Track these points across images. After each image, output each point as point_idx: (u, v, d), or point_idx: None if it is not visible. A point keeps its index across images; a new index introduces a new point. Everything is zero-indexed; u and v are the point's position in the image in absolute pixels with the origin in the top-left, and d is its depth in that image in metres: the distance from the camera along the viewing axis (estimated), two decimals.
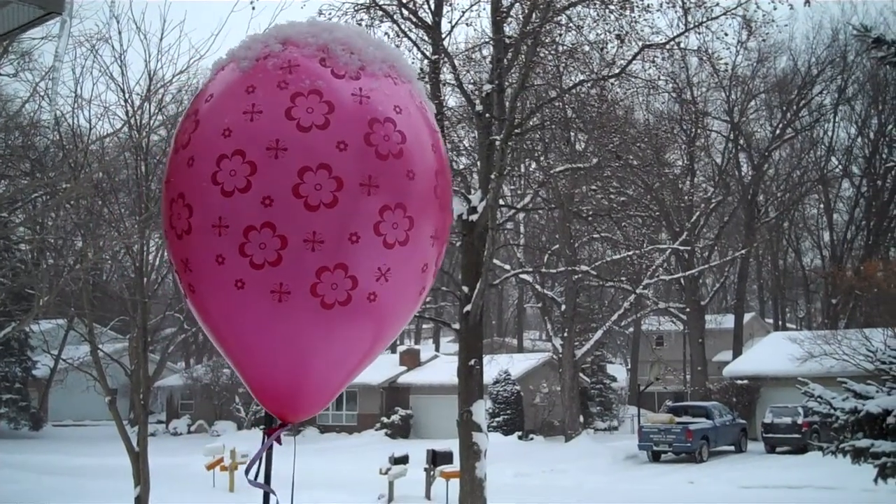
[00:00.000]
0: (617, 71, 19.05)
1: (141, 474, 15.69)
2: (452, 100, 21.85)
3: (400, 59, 3.67)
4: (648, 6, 17.78)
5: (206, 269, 3.40)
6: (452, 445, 20.40)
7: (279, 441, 3.78)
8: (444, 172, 3.67)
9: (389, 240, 3.42)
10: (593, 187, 25.91)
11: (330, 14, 18.53)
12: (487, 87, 18.44)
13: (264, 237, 3.27)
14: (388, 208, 3.39)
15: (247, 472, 3.78)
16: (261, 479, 3.83)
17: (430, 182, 3.57)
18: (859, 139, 56.93)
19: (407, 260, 3.53)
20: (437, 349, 66.25)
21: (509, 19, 19.03)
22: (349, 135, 3.34)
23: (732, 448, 37.57)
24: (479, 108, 18.51)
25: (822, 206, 59.71)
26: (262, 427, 3.91)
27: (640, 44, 18.44)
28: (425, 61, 19.15)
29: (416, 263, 3.60)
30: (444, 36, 19.01)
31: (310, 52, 3.47)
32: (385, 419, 48.56)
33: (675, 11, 18.60)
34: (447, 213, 3.71)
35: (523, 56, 18.29)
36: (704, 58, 19.98)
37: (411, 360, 52.51)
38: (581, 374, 45.22)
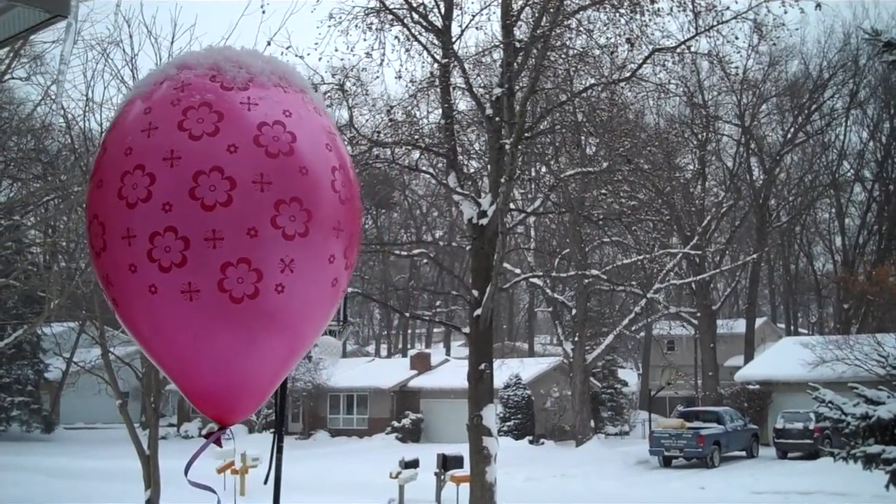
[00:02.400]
0: (627, 75, 19.03)
1: (151, 477, 15.73)
2: (462, 104, 21.87)
3: (292, 72, 3.90)
4: (659, 10, 17.75)
5: (123, 279, 3.57)
6: (463, 449, 20.38)
7: (218, 443, 3.89)
8: (343, 168, 3.82)
9: (289, 231, 3.56)
10: (604, 191, 25.81)
11: (341, 17, 18.58)
12: (497, 90, 18.44)
13: (168, 241, 3.44)
14: (283, 202, 3.54)
15: (185, 472, 3.89)
16: (238, 485, 3.85)
17: (326, 177, 3.72)
18: (871, 143, 56.81)
19: (310, 250, 3.67)
20: (447, 353, 66.26)
21: (519, 23, 19.03)
22: (238, 138, 3.53)
23: (744, 453, 37.47)
24: (489, 111, 18.51)
25: (833, 210, 59.55)
26: (271, 431, 3.95)
27: (651, 47, 18.41)
28: (435, 65, 19.16)
29: (321, 254, 3.73)
30: (454, 40, 19.03)
31: (201, 72, 3.70)
32: (396, 423, 48.57)
33: (686, 15, 18.56)
34: (350, 205, 3.85)
35: (533, 60, 18.29)
36: (715, 61, 19.94)
37: (422, 363, 52.52)
38: (592, 379, 45.16)
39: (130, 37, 15.92)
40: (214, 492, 3.92)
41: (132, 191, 3.47)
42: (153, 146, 3.50)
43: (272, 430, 3.94)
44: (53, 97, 16.18)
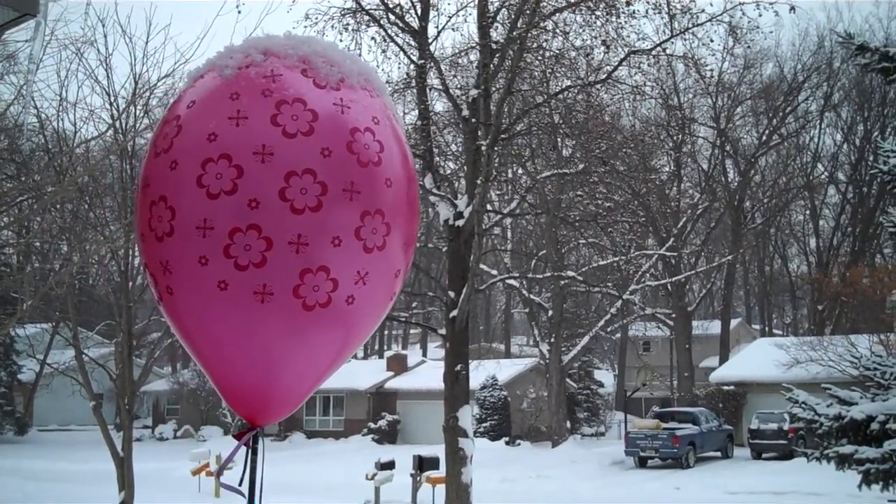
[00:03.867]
0: (603, 77, 19.10)
1: (126, 479, 15.63)
2: (439, 105, 21.89)
3: (373, 73, 3.80)
4: (634, 12, 17.82)
5: (188, 270, 3.42)
6: (439, 451, 20.37)
7: (248, 445, 3.81)
8: (413, 182, 3.82)
9: (369, 244, 3.51)
10: (580, 193, 25.91)
11: (317, 18, 18.55)
12: (474, 92, 18.46)
13: (250, 239, 3.32)
14: (368, 214, 3.49)
15: (218, 475, 3.85)
16: (233, 484, 3.83)
17: (403, 190, 3.70)
18: (845, 146, 57.22)
19: (383, 265, 3.63)
20: (424, 354, 66.18)
21: (496, 24, 19.05)
22: (333, 142, 3.43)
23: (719, 454, 37.64)
24: (465, 113, 18.52)
25: (808, 212, 59.91)
26: (234, 434, 3.92)
27: (627, 50, 18.48)
28: (412, 66, 19.15)
29: (390, 269, 3.70)
30: (430, 41, 19.04)
31: (291, 63, 3.56)
32: (372, 424, 48.48)
33: (661, 17, 18.61)
34: (416, 221, 3.87)
35: (510, 61, 18.31)
36: (690, 64, 20.01)
37: (398, 365, 52.45)
38: (568, 380, 45.23)
39: (105, 36, 15.85)
40: (244, 495, 3.87)
41: (215, 181, 3.33)
42: (243, 137, 3.37)
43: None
44: (25, 96, 16.04)
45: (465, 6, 19.35)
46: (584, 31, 18.53)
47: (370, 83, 3.72)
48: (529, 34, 17.94)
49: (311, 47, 3.65)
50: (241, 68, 3.55)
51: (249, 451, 3.92)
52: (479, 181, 17.61)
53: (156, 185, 3.50)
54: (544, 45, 19.01)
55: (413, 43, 19.11)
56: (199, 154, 3.38)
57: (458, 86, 20.28)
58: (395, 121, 3.80)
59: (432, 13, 19.13)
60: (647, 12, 18.07)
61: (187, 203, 3.38)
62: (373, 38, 19.13)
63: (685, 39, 18.83)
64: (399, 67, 22.16)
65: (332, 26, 18.66)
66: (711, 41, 18.83)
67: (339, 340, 3.72)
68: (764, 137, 53.04)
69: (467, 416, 18.07)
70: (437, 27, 19.60)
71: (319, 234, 3.39)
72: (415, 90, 19.49)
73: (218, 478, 4.29)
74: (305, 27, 18.51)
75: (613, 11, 17.77)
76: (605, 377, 59.83)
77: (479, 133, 18.34)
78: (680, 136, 46.49)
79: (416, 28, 18.83)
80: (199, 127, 3.43)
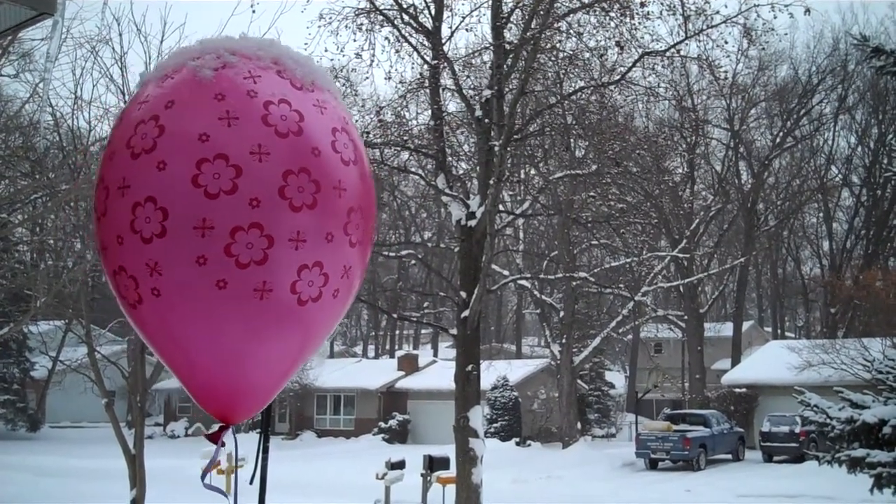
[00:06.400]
0: (617, 78, 19.07)
1: (137, 477, 15.66)
2: (452, 105, 21.87)
3: (327, 75, 3.89)
4: (648, 14, 17.80)
5: (183, 271, 3.44)
6: (450, 451, 20.38)
7: (223, 443, 3.86)
8: (372, 181, 3.94)
9: (353, 240, 3.67)
10: (592, 194, 25.85)
11: (331, 18, 18.57)
12: (487, 92, 18.46)
13: (252, 237, 3.38)
14: (353, 210, 3.64)
15: (202, 477, 3.86)
16: (224, 485, 3.85)
17: (371, 188, 3.86)
18: (859, 148, 57.01)
19: (362, 258, 3.80)
20: (435, 354, 66.23)
21: (509, 25, 19.06)
22: (320, 142, 3.56)
23: (730, 456, 37.56)
24: (478, 113, 18.52)
25: (821, 215, 59.74)
26: (258, 431, 3.92)
27: (640, 51, 18.46)
28: (425, 66, 19.16)
29: (363, 263, 3.88)
30: (444, 41, 19.05)
31: (264, 65, 3.65)
32: (382, 424, 48.54)
33: (676, 19, 18.60)
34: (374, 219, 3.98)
35: (523, 62, 18.32)
36: (704, 65, 19.98)
37: (409, 365, 52.50)
38: (579, 381, 45.20)
39: (120, 35, 15.93)
40: (227, 496, 3.91)
41: (214, 180, 3.36)
42: (237, 137, 3.42)
43: (258, 430, 3.92)
44: (41, 95, 16.14)
45: (479, 7, 19.36)
46: (597, 31, 18.53)
47: (330, 85, 3.84)
48: (543, 35, 17.94)
49: (278, 49, 3.74)
50: (218, 69, 3.59)
51: (261, 451, 3.94)
52: (491, 181, 17.61)
53: (140, 187, 3.47)
54: (558, 45, 19.00)
55: (427, 43, 19.13)
56: (192, 154, 3.40)
57: (472, 86, 20.28)
58: (352, 123, 3.91)
59: (446, 13, 19.15)
60: (661, 13, 18.06)
61: (182, 204, 3.39)
62: (386, 38, 19.16)
63: (699, 41, 18.82)
64: (412, 67, 22.21)
65: (346, 26, 18.70)
66: (726, 43, 18.81)
67: (321, 334, 3.86)
68: (778, 139, 52.88)
69: (478, 417, 18.08)
70: (450, 27, 19.62)
71: (315, 230, 3.50)
72: (428, 90, 19.51)
73: (202, 478, 4.37)
74: (319, 27, 18.57)
75: (627, 12, 17.75)
76: (617, 378, 59.78)
77: (492, 133, 18.34)
78: (693, 138, 46.36)
79: (430, 28, 18.85)
80: (187, 127, 3.45)
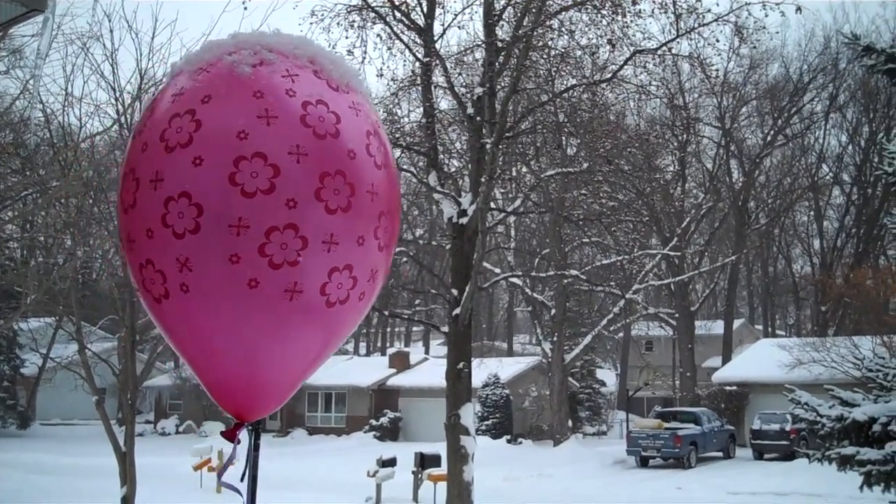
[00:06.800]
0: (609, 76, 19.09)
1: (128, 474, 15.63)
2: (444, 103, 21.91)
3: (359, 76, 3.88)
4: (640, 11, 17.81)
5: (215, 268, 3.42)
6: (441, 448, 20.39)
7: (239, 441, 3.84)
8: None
9: (382, 244, 3.68)
10: (584, 192, 25.91)
11: (322, 15, 18.54)
12: (479, 90, 18.46)
13: (287, 238, 3.38)
14: (384, 214, 3.66)
15: (220, 474, 3.83)
16: (230, 481, 3.84)
17: (398, 192, 3.90)
18: (850, 147, 57.17)
19: (386, 262, 3.81)
20: (426, 352, 66.25)
21: (501, 23, 19.06)
22: (355, 145, 3.56)
23: (720, 454, 37.63)
24: (470, 111, 18.52)
25: (812, 213, 59.87)
26: (248, 428, 3.91)
27: (632, 49, 18.48)
28: (417, 64, 19.15)
29: (386, 266, 3.88)
30: (436, 39, 19.03)
31: (301, 63, 3.62)
32: (374, 421, 48.52)
33: (667, 17, 18.61)
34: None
35: (515, 59, 18.31)
36: (696, 64, 20.00)
37: (401, 362, 52.50)
38: (570, 379, 45.24)
39: (111, 31, 15.85)
40: (241, 494, 3.88)
41: (251, 179, 3.35)
42: (276, 137, 3.41)
43: (249, 427, 3.90)
44: (32, 91, 16.08)
45: (471, 4, 19.36)
46: (589, 29, 18.55)
47: (362, 87, 3.83)
48: (535, 32, 17.95)
49: (313, 48, 3.72)
50: (255, 66, 3.56)
51: (251, 447, 3.92)
52: (483, 179, 17.61)
53: (174, 181, 3.44)
54: (550, 43, 19.02)
55: (418, 40, 19.12)
56: (230, 151, 3.38)
57: (464, 84, 20.28)
58: (381, 126, 3.91)
59: (438, 11, 19.14)
60: (653, 12, 18.08)
61: (219, 201, 3.37)
62: (378, 35, 19.16)
63: (691, 39, 18.83)
64: (404, 65, 22.14)
65: (338, 23, 18.68)
66: (717, 41, 18.80)
67: (343, 335, 3.87)
68: (769, 138, 52.99)
69: (469, 414, 18.08)
70: (442, 25, 19.62)
71: (348, 233, 3.51)
72: (420, 88, 19.51)
73: (219, 476, 4.33)
74: (311, 24, 18.54)
75: (619, 10, 17.76)
76: (608, 376, 59.85)
77: (484, 131, 18.34)
78: (685, 136, 46.43)
79: (422, 26, 18.84)
80: (225, 124, 3.42)
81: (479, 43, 19.74)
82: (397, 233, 3.84)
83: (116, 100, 15.70)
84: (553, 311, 41.38)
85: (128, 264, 3.78)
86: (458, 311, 17.95)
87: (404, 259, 24.86)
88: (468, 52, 21.38)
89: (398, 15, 18.80)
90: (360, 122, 3.63)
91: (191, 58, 3.74)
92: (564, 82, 20.17)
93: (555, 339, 41.22)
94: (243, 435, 3.86)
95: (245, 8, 16.76)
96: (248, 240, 3.36)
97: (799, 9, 17.06)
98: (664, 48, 19.05)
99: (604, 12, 17.99)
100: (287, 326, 3.55)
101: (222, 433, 3.82)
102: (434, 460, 24.44)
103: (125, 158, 3.73)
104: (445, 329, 18.87)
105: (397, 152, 22.43)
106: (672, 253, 41.11)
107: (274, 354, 3.63)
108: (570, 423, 43.05)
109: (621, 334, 56.45)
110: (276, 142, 3.39)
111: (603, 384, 51.81)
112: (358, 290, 3.63)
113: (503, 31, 19.10)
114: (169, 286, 3.54)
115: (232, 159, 3.36)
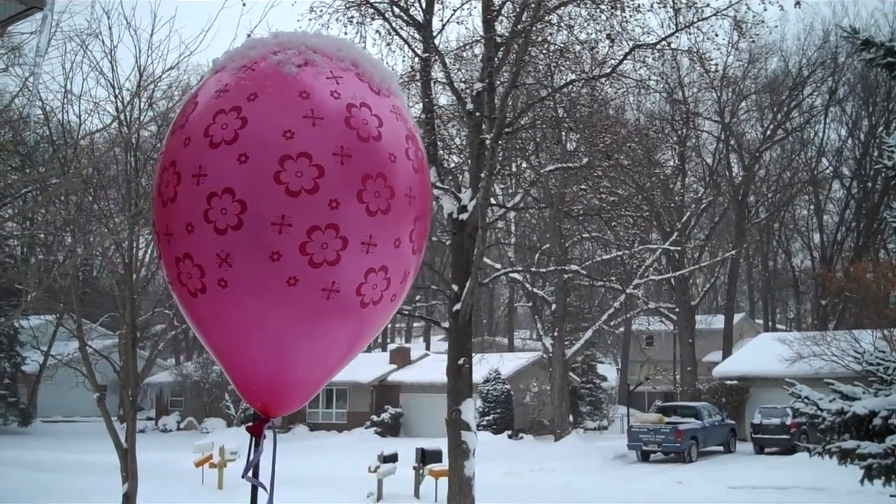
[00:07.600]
0: (608, 70, 19.07)
1: (129, 471, 15.67)
2: (443, 98, 21.85)
3: (397, 80, 3.92)
4: (639, 6, 17.80)
5: (255, 265, 3.45)
6: (442, 444, 20.42)
7: (265, 436, 3.85)
8: None
9: (416, 247, 3.75)
10: (584, 187, 25.92)
11: (321, 11, 18.53)
12: (478, 85, 18.44)
13: (328, 238, 3.42)
14: (419, 218, 3.72)
15: (244, 474, 3.83)
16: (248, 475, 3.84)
17: (431, 196, 3.94)
18: (850, 141, 57.18)
19: (417, 266, 3.86)
20: (427, 348, 66.26)
21: (500, 18, 19.03)
22: (396, 148, 3.61)
23: (721, 448, 37.67)
24: (469, 106, 18.50)
25: (812, 207, 59.89)
26: (248, 424, 3.91)
27: (631, 44, 18.46)
28: (416, 59, 19.14)
29: (417, 270, 3.93)
30: (435, 34, 19.01)
31: (344, 66, 3.67)
32: (375, 417, 48.55)
33: (666, 12, 18.62)
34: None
35: (514, 55, 18.29)
36: (695, 58, 19.99)
37: (401, 358, 52.53)
38: (571, 374, 45.28)
39: (110, 28, 15.87)
40: (266, 489, 3.89)
41: (296, 178, 3.38)
42: (321, 138, 3.44)
43: (251, 424, 3.91)
44: (31, 88, 16.08)
45: None
46: (588, 24, 18.52)
47: (400, 91, 3.87)
48: (534, 28, 17.93)
49: (356, 51, 3.78)
50: (301, 66, 3.60)
51: (253, 441, 3.92)
52: (482, 175, 17.61)
53: (218, 177, 3.46)
54: (549, 38, 19.00)
55: (417, 36, 19.10)
56: (276, 150, 3.41)
57: (463, 79, 20.27)
58: (417, 131, 3.94)
59: (437, 6, 19.11)
60: (652, 6, 18.07)
61: (263, 199, 3.40)
62: (377, 31, 19.14)
63: (690, 34, 18.82)
64: (403, 61, 22.16)
65: (337, 19, 18.65)
66: (716, 35, 18.81)
67: (371, 335, 3.92)
68: (768, 132, 52.99)
69: (470, 410, 18.08)
70: (441, 20, 19.60)
71: (386, 235, 3.55)
72: (419, 83, 19.49)
73: (247, 471, 4.37)
74: (310, 20, 18.52)
75: (618, 5, 17.75)
76: (609, 371, 59.93)
77: (484, 127, 18.33)
78: (684, 131, 46.44)
79: (421, 21, 18.82)
80: (272, 122, 3.45)
81: (478, 38, 19.72)
82: (426, 236, 3.87)
83: (116, 97, 15.73)
84: (553, 307, 41.38)
85: (161, 257, 3.79)
86: (458, 306, 17.95)
87: None
88: (467, 47, 21.37)
89: (397, 11, 18.78)
90: (400, 126, 3.67)
91: (234, 54, 3.76)
92: (564, 77, 20.16)
93: (555, 334, 41.23)
94: (244, 433, 3.87)
95: (244, 4, 16.73)
96: (290, 238, 3.40)
97: (798, 3, 17.04)
98: (663, 43, 19.05)
99: (603, 7, 17.98)
100: (321, 325, 3.59)
101: (247, 428, 3.84)
102: (435, 456, 24.49)
103: (164, 152, 3.73)
104: (446, 325, 18.87)
105: None
106: (672, 248, 41.12)
107: (305, 352, 3.67)
108: (571, 418, 43.08)
109: (622, 329, 56.46)
110: (322, 142, 3.43)
111: (604, 379, 51.85)
112: (391, 292, 3.68)
113: (502, 27, 19.08)
114: (206, 281, 3.55)
115: (277, 158, 3.39)
